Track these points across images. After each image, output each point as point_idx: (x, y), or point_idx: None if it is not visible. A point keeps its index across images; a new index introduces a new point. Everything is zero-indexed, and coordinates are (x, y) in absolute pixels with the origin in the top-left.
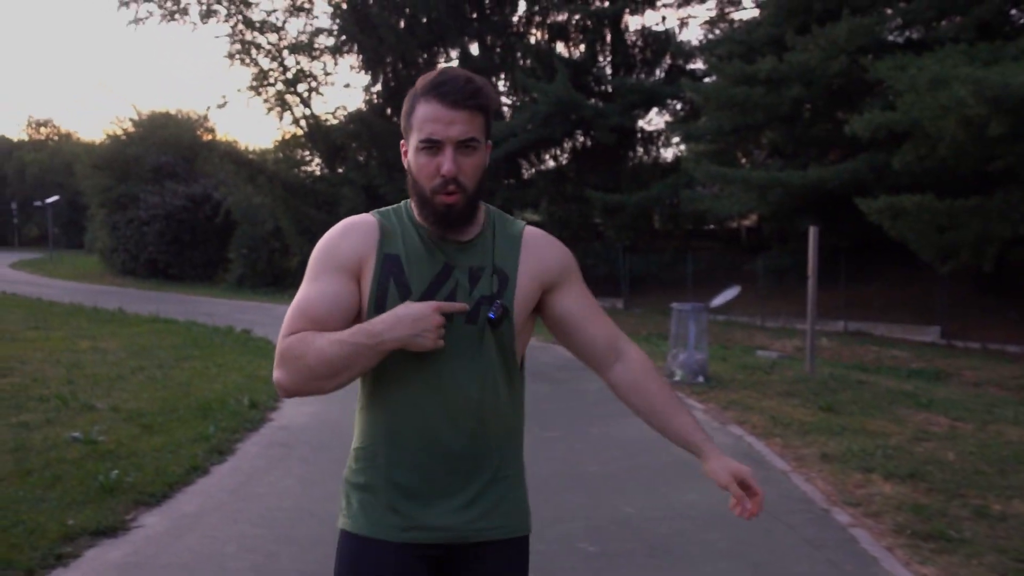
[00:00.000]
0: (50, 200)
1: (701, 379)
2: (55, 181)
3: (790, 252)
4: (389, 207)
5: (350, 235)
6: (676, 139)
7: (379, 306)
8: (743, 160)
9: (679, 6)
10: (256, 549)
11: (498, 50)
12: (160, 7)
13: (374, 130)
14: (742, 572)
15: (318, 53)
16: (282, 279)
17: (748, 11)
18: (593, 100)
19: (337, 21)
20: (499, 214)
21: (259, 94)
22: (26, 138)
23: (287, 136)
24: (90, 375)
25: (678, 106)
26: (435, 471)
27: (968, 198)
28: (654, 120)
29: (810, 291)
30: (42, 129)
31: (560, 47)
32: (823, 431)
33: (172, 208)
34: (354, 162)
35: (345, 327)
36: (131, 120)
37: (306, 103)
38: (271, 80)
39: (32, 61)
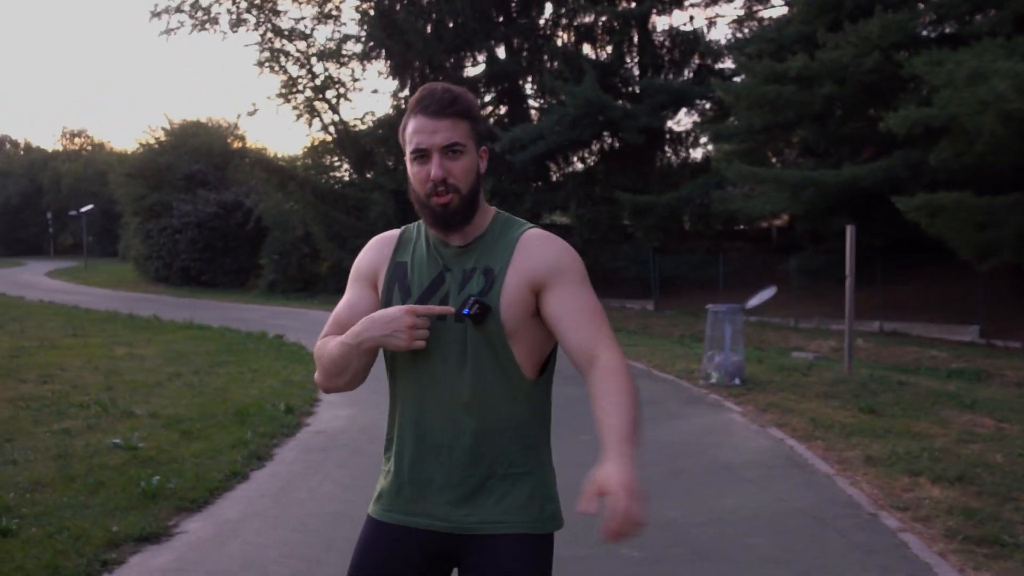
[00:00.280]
0: (84, 209)
1: (738, 381)
2: (89, 190)
3: (823, 252)
4: (417, 221)
5: (372, 248)
6: (705, 139)
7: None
8: (773, 159)
9: (706, 5)
10: (298, 555)
11: (525, 53)
12: (191, 17)
13: None
14: None
15: (346, 59)
16: (313, 284)
17: (777, 9)
18: (621, 101)
19: (365, 27)
20: (508, 219)
21: (288, 101)
22: (61, 148)
23: (316, 142)
24: (128, 381)
25: (707, 106)
26: (430, 464)
27: (1008, 194)
28: (683, 120)
29: (848, 291)
30: (76, 139)
31: (587, 49)
32: (866, 433)
33: (204, 216)
34: (383, 167)
35: None
36: (163, 129)
37: (335, 109)
38: (300, 87)
39: (66, 72)
